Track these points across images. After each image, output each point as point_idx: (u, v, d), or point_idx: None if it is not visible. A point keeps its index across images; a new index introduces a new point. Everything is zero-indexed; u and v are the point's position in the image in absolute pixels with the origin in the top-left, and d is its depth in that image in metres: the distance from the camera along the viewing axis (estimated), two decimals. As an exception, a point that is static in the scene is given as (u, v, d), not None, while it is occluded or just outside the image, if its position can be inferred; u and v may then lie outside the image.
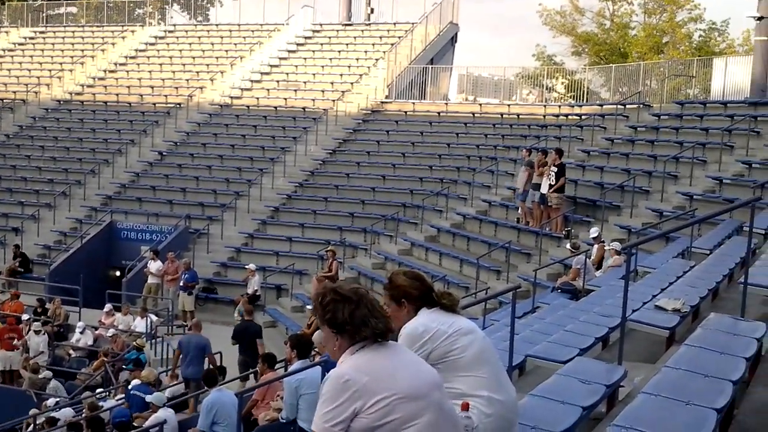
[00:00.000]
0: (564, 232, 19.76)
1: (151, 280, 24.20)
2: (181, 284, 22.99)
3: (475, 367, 4.56)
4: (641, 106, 27.13)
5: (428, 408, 3.65)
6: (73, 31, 45.64)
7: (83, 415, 13.85)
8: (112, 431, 12.26)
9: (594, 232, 17.05)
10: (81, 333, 20.88)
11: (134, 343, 19.16)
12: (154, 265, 24.11)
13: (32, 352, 19.94)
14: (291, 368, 9.46)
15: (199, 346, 15.41)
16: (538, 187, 20.48)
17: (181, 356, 15.55)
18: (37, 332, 20.21)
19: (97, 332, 21.41)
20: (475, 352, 4.59)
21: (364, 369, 3.64)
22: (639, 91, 28.89)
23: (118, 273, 26.19)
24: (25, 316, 21.48)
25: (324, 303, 3.79)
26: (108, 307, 22.05)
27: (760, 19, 23.41)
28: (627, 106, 27.47)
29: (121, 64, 40.76)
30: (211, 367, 14.10)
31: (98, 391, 16.96)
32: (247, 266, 24.21)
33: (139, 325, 21.22)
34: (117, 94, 37.66)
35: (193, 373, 15.04)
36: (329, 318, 3.78)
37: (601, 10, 47.26)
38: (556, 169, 20.02)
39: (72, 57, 41.85)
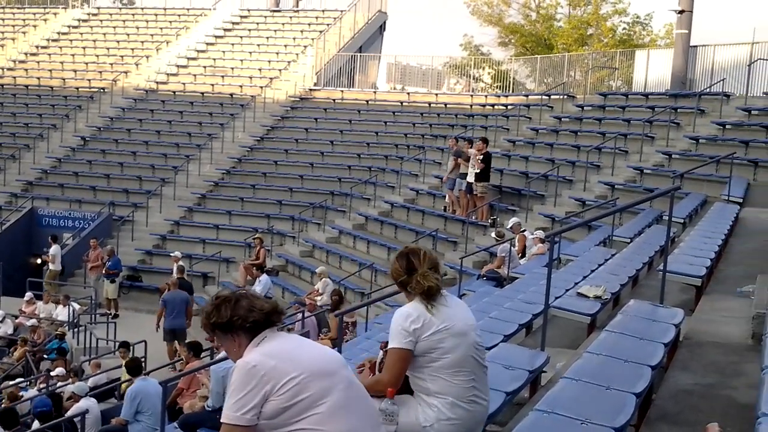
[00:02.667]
0: (489, 221, 19.98)
1: (51, 266, 23.78)
2: (104, 272, 22.60)
3: (451, 373, 4.43)
4: (565, 97, 27.55)
5: (338, 385, 3.66)
6: (-8, 13, 44.39)
7: (1, 406, 13.54)
8: (33, 421, 12.01)
9: (511, 222, 17.22)
10: (1, 322, 20.39)
11: (56, 331, 18.80)
12: (52, 250, 23.70)
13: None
14: (218, 356, 9.40)
15: (183, 300, 17.97)
16: (464, 176, 20.65)
17: (165, 311, 17.62)
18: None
19: (17, 321, 20.94)
20: (457, 358, 4.45)
21: (270, 353, 3.64)
22: (563, 82, 29.33)
23: (39, 261, 25.63)
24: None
25: (209, 313, 3.83)
26: (29, 295, 21.57)
27: (681, 12, 23.92)
28: (552, 97, 27.88)
29: (42, 47, 39.78)
30: (133, 356, 13.93)
31: (18, 380, 16.59)
32: (172, 254, 23.91)
33: (61, 313, 20.81)
34: (38, 78, 36.81)
35: (178, 324, 17.60)
36: (215, 321, 3.80)
37: (527, 2, 47.72)
38: (481, 158, 20.20)
39: (-9, 39, 40.72)
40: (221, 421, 3.64)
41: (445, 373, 4.42)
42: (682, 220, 13.34)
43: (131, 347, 15.79)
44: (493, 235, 17.42)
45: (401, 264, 4.67)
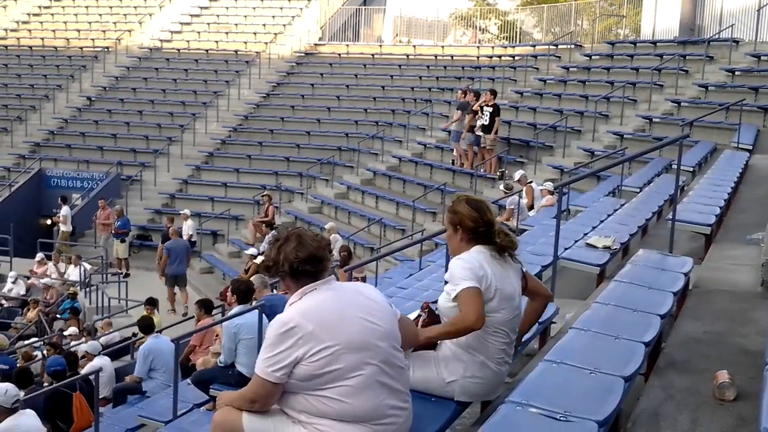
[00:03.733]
0: (498, 173, 19.92)
1: (62, 227, 23.88)
2: (113, 231, 22.67)
3: (491, 332, 4.39)
4: (573, 46, 27.31)
5: (373, 359, 3.64)
6: (-7, -27, 44.03)
7: (17, 365, 13.68)
8: (47, 380, 12.13)
9: (517, 174, 17.10)
10: (13, 283, 20.53)
11: (68, 291, 18.93)
12: (62, 211, 23.80)
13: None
14: (230, 313, 9.45)
15: (184, 247, 19.68)
16: (472, 128, 20.54)
17: (168, 258, 19.08)
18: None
19: (29, 282, 21.08)
20: (500, 319, 4.42)
21: (311, 315, 3.61)
22: (571, 31, 29.08)
23: (49, 221, 25.73)
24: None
25: (266, 252, 3.81)
26: (40, 256, 21.69)
27: (688, -42, 23.63)
28: (559, 47, 27.63)
29: (45, 7, 39.46)
30: (146, 314, 14.02)
31: (32, 340, 16.74)
32: (181, 212, 23.98)
33: (73, 273, 20.93)
34: (42, 38, 36.58)
35: (179, 270, 19.22)
36: (263, 262, 3.79)
37: (534, -50, 47.13)
38: (490, 110, 20.08)
39: (-7, 0, 40.45)
40: (254, 371, 3.66)
41: (485, 331, 4.36)
42: (691, 169, 13.28)
43: (156, 303, 15.81)
44: (501, 187, 17.39)
45: (474, 214, 4.56)
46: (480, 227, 4.53)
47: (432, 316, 4.57)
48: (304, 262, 3.73)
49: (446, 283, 4.47)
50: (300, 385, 3.62)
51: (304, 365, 3.57)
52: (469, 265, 4.38)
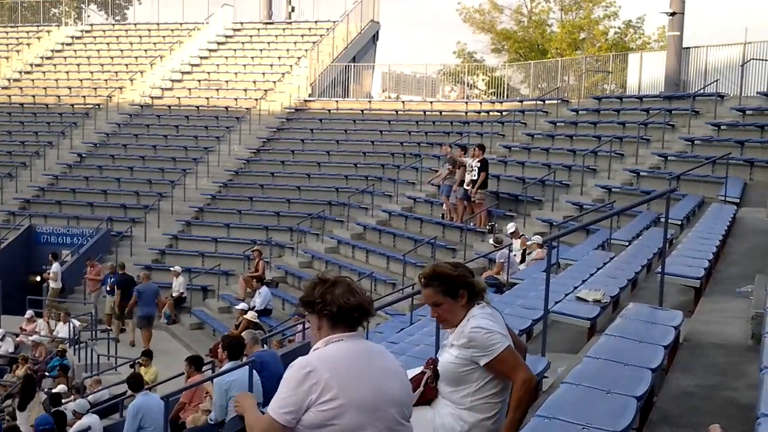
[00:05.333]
0: (487, 227, 20.00)
1: (52, 284, 23.78)
2: (107, 288, 22.54)
3: (497, 391, 4.47)
4: (560, 101, 27.61)
5: (378, 423, 3.61)
6: (-15, 32, 44.44)
7: (4, 425, 13.55)
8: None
9: (511, 227, 17.24)
10: (1, 340, 20.37)
11: (57, 348, 18.78)
12: (53, 268, 23.74)
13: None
14: (221, 369, 9.41)
15: (154, 291, 21.22)
16: (462, 183, 20.67)
17: (138, 301, 20.47)
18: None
19: (18, 339, 20.92)
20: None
21: (330, 364, 3.60)
22: (557, 87, 29.40)
23: (38, 278, 25.61)
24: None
25: (306, 288, 3.81)
26: (29, 313, 21.56)
27: (672, 14, 24.02)
28: (546, 102, 27.93)
29: (37, 65, 39.83)
30: (134, 371, 13.92)
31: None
32: (172, 268, 23.93)
33: (62, 330, 20.79)
34: (33, 96, 36.84)
35: (149, 311, 20.65)
36: (304, 297, 3.78)
37: (519, 8, 47.83)
38: (479, 165, 20.23)
39: (-15, 58, 40.76)
40: (267, 410, 3.65)
41: (484, 388, 4.44)
42: (679, 222, 13.37)
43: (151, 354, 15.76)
44: (491, 241, 17.45)
45: (462, 272, 4.58)
46: (472, 280, 4.58)
47: (437, 373, 4.59)
48: (352, 309, 3.72)
49: (452, 346, 4.50)
50: None
51: (312, 412, 3.55)
52: (493, 328, 4.43)
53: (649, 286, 9.75)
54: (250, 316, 18.31)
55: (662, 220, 9.54)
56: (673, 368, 6.25)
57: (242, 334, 10.47)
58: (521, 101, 30.25)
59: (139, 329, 20.63)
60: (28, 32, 42.68)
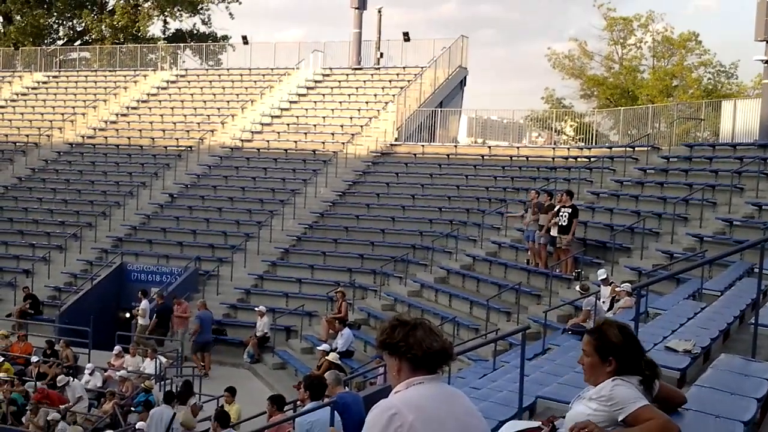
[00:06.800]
0: (574, 274, 19.72)
1: (140, 320, 24.27)
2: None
3: None
4: (650, 148, 27.18)
5: None
6: (86, 76, 46.21)
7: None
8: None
9: (602, 274, 16.96)
10: (90, 375, 20.81)
11: (143, 384, 19.10)
12: (141, 305, 24.24)
13: (71, 399, 19.56)
14: (303, 409, 9.43)
15: (212, 320, 23.25)
16: (548, 229, 20.47)
17: (201, 327, 22.31)
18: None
19: (106, 374, 21.35)
20: None
21: (413, 406, 3.59)
22: (648, 133, 28.98)
23: (128, 314, 26.21)
24: (34, 358, 21.50)
25: (383, 330, 3.79)
26: (117, 348, 22.01)
27: (767, 62, 23.54)
28: (636, 149, 27.52)
29: (132, 108, 41.17)
30: (220, 408, 14.08)
31: (107, 432, 16.87)
32: (256, 308, 24.21)
33: (148, 366, 21.14)
34: (129, 138, 38.00)
35: (207, 338, 22.64)
36: (384, 339, 3.75)
37: (610, 54, 47.57)
38: (569, 211, 20.03)
39: (84, 101, 42.32)
40: None
41: None
42: (774, 273, 12.95)
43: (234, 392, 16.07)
44: (577, 288, 17.19)
45: (622, 341, 4.64)
46: (635, 356, 4.59)
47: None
48: (435, 353, 3.71)
49: (591, 399, 4.52)
50: None
51: None
52: (633, 390, 4.46)
53: (742, 337, 9.45)
54: (332, 357, 18.36)
55: (756, 270, 9.25)
56: (766, 422, 6.01)
57: (325, 374, 10.49)
58: (610, 147, 29.90)
59: (194, 355, 22.21)
60: (125, 76, 44.22)
